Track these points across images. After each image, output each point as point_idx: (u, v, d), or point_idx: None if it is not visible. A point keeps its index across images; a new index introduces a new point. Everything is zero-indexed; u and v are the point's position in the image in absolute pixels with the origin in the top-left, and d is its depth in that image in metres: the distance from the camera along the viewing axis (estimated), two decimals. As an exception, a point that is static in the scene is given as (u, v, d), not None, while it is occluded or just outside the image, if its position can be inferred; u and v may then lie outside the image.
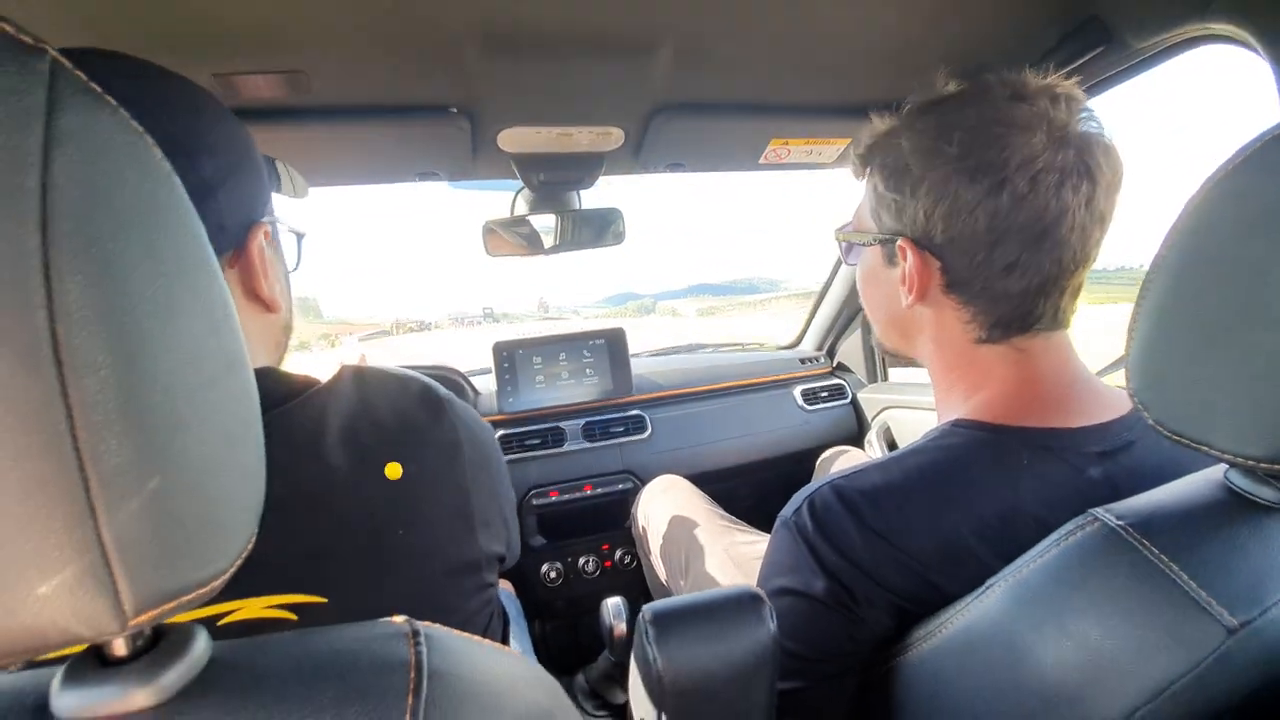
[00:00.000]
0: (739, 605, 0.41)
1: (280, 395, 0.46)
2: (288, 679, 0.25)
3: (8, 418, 0.19)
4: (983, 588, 0.45)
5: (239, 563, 0.26)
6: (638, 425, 1.51)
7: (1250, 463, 0.37)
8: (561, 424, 1.46)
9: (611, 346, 1.53)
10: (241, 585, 0.40)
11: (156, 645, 0.24)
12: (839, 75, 0.92)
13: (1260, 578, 0.36)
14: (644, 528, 1.34)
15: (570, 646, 1.54)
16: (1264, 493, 0.39)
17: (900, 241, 0.59)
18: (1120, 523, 0.40)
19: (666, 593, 1.25)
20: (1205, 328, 0.38)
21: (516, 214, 1.18)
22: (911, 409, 1.54)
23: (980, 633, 0.44)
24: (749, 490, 1.64)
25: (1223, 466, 0.42)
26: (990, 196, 0.52)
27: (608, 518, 1.47)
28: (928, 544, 0.51)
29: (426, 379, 0.54)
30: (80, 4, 0.59)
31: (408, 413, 0.50)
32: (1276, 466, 0.36)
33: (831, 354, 1.85)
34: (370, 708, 0.25)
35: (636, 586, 1.49)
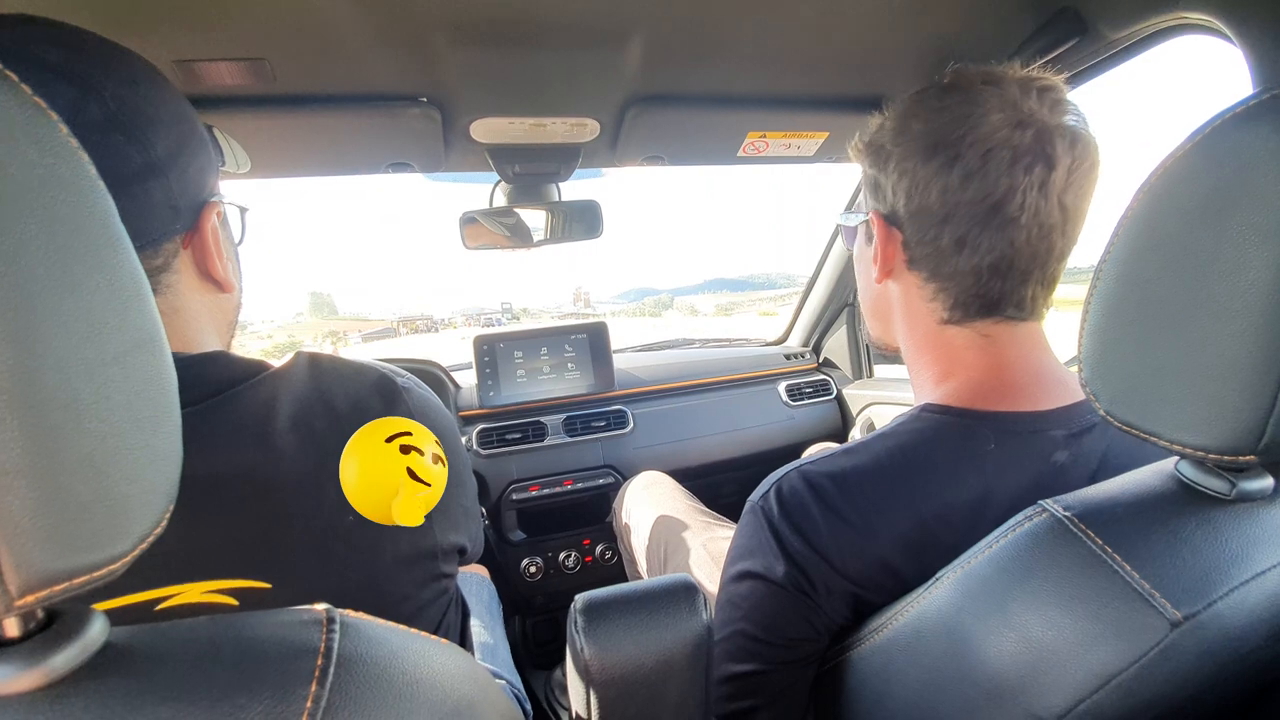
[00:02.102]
0: (671, 595, 0.41)
1: (230, 378, 0.45)
2: (185, 664, 0.25)
3: None
4: (933, 579, 0.44)
5: (144, 547, 0.25)
6: (619, 420, 1.50)
7: (1199, 454, 0.36)
8: (542, 418, 1.45)
9: (593, 341, 1.52)
10: (182, 569, 0.39)
11: (49, 627, 0.24)
12: (815, 68, 0.91)
13: (1207, 571, 0.36)
14: (625, 523, 1.33)
15: (551, 641, 1.53)
16: (1213, 484, 0.38)
17: (870, 215, 0.61)
18: (1067, 514, 0.39)
19: (646, 588, 1.25)
20: (1154, 317, 0.37)
21: (495, 206, 1.17)
22: (896, 405, 1.53)
23: (928, 624, 0.43)
24: (733, 486, 1.64)
25: (1175, 458, 0.41)
26: (942, 172, 0.53)
27: (588, 513, 1.46)
28: (892, 529, 0.50)
29: (384, 368, 0.53)
30: None
31: (361, 400, 0.49)
32: (1225, 458, 0.36)
33: (817, 350, 1.85)
34: (268, 695, 0.24)
35: (617, 581, 1.48)
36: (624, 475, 1.44)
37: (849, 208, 0.66)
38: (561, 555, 1.45)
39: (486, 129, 0.94)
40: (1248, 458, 0.35)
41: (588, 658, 0.38)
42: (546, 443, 1.43)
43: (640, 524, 1.27)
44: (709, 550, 1.12)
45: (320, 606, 0.29)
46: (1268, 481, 0.38)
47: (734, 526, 1.19)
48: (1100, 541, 0.37)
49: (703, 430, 1.56)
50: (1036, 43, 0.83)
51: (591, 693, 0.38)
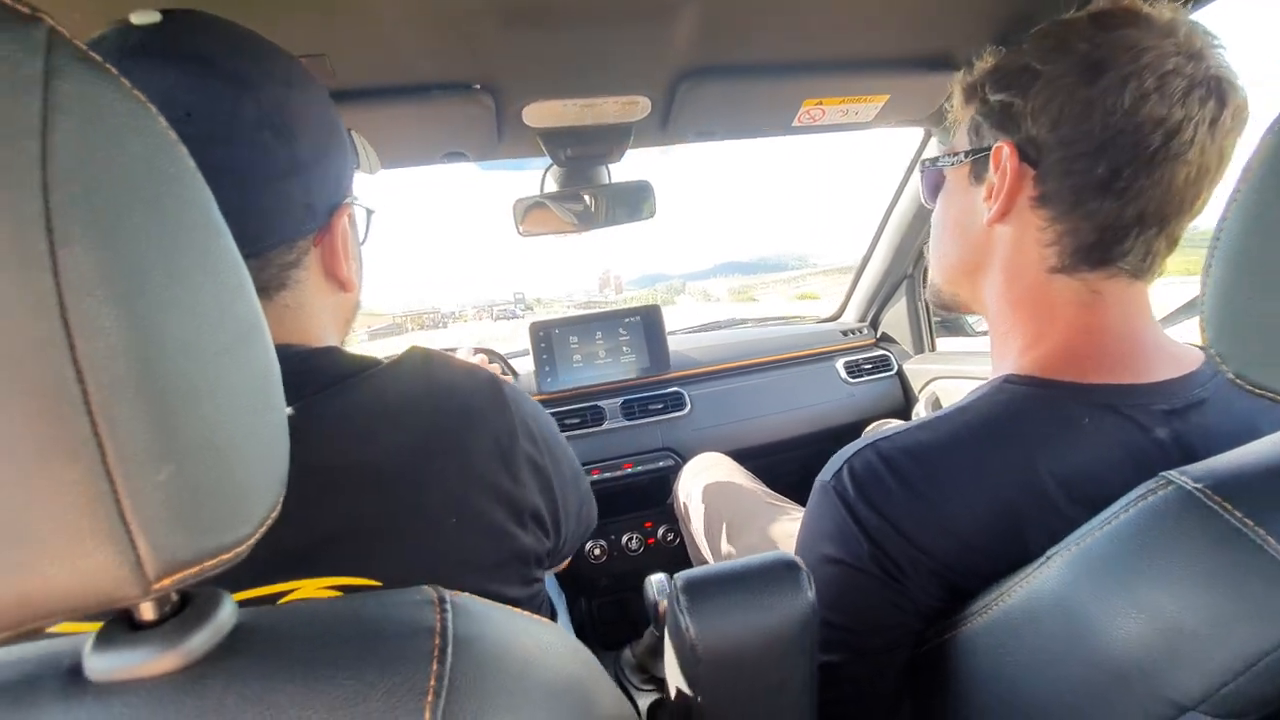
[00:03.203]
0: (775, 573, 0.40)
1: (342, 372, 0.46)
2: (312, 644, 0.25)
3: (21, 385, 0.19)
4: (1043, 558, 0.42)
5: (263, 530, 0.26)
6: (676, 402, 1.49)
7: None
8: (600, 402, 1.46)
9: (647, 323, 1.51)
10: (298, 565, 0.40)
11: (183, 610, 0.25)
12: (877, 27, 0.87)
13: None
14: (685, 505, 1.33)
15: (616, 622, 1.55)
16: None
17: (999, 143, 0.54)
18: (1197, 485, 0.36)
19: (710, 570, 1.25)
20: None
21: (546, 192, 1.17)
22: (961, 379, 1.48)
23: (1042, 606, 0.41)
24: (792, 466, 1.61)
25: None
26: (1111, 92, 0.48)
27: (649, 495, 1.46)
28: (975, 508, 0.48)
29: (494, 373, 0.54)
30: None
31: (471, 402, 0.49)
32: None
33: (875, 325, 1.79)
34: (393, 673, 0.24)
35: (679, 563, 1.49)
36: (683, 457, 1.43)
37: (924, 158, 0.61)
38: (624, 538, 1.46)
39: (538, 113, 0.93)
40: None
41: (693, 636, 0.37)
42: (605, 427, 1.44)
43: (702, 506, 1.26)
44: (773, 532, 1.10)
45: (429, 587, 0.30)
46: None
47: (797, 507, 1.18)
48: (1240, 515, 0.34)
49: (761, 410, 1.54)
50: None
51: (696, 672, 0.38)
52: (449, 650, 0.26)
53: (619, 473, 1.42)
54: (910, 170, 1.46)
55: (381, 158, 1.00)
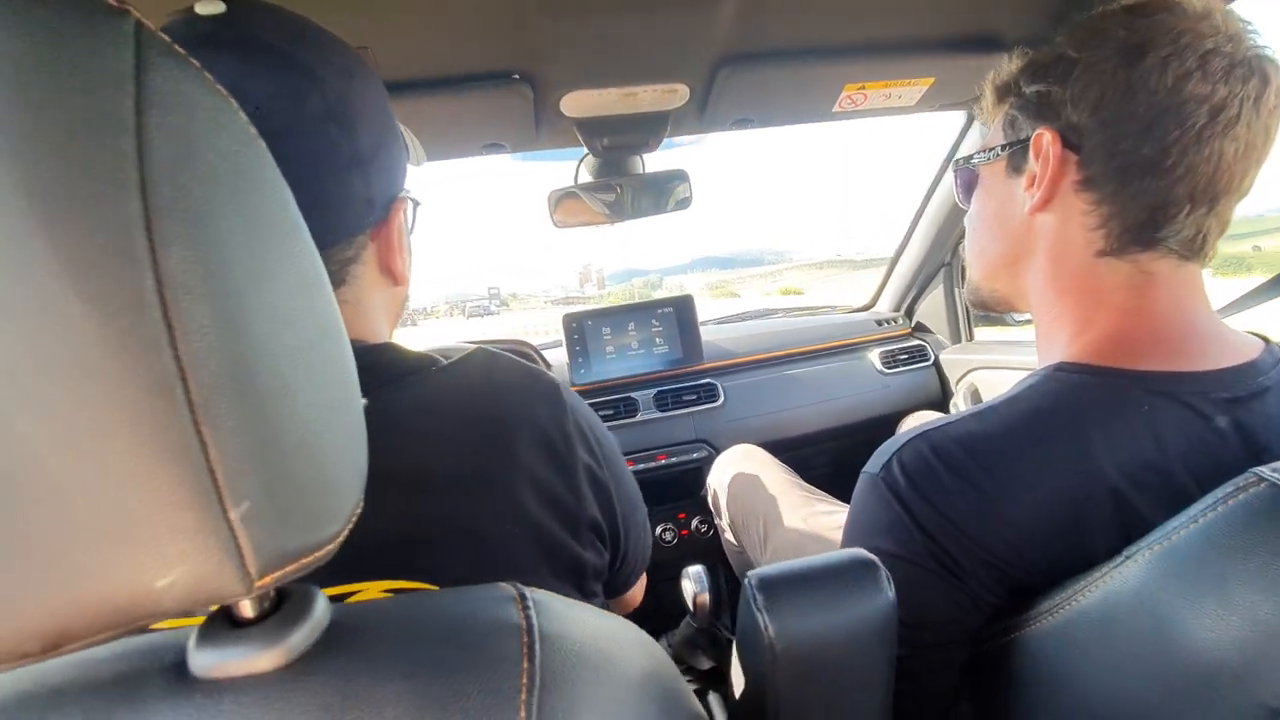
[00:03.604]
0: (853, 571, 0.39)
1: (400, 370, 0.45)
2: (406, 643, 0.25)
3: (127, 386, 0.19)
4: (1121, 557, 0.41)
5: (351, 525, 0.26)
6: (710, 393, 1.48)
7: None
8: (633, 394, 1.45)
9: (680, 314, 1.51)
10: (361, 566, 0.40)
11: (280, 608, 0.25)
12: (923, 7, 0.84)
13: None
14: (719, 497, 1.33)
15: (652, 613, 1.55)
16: None
17: (1040, 130, 0.54)
18: None
19: (745, 562, 1.24)
20: None
21: (580, 182, 1.17)
22: (1001, 369, 1.44)
23: (1123, 605, 0.39)
24: (827, 458, 1.60)
25: None
26: (1153, 72, 0.48)
27: (683, 487, 1.46)
28: (1035, 500, 0.46)
29: (556, 378, 0.53)
30: None
31: (534, 409, 0.48)
32: None
33: (910, 314, 1.76)
34: (488, 672, 0.25)
35: (714, 554, 1.48)
36: (717, 449, 1.43)
37: (957, 156, 0.61)
38: (659, 529, 1.46)
39: (576, 102, 0.92)
40: None
41: (772, 635, 0.37)
42: (639, 418, 1.44)
43: (737, 497, 1.25)
44: (810, 525, 1.09)
45: (508, 584, 0.29)
46: None
47: (831, 499, 1.16)
48: None
49: (795, 402, 1.52)
50: None
51: (773, 671, 0.37)
52: (536, 647, 0.26)
53: (653, 464, 1.42)
54: (950, 157, 1.42)
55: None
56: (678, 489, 1.46)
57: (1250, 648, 0.33)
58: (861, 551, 0.41)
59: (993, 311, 0.68)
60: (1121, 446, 0.46)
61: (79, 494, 0.20)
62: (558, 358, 1.52)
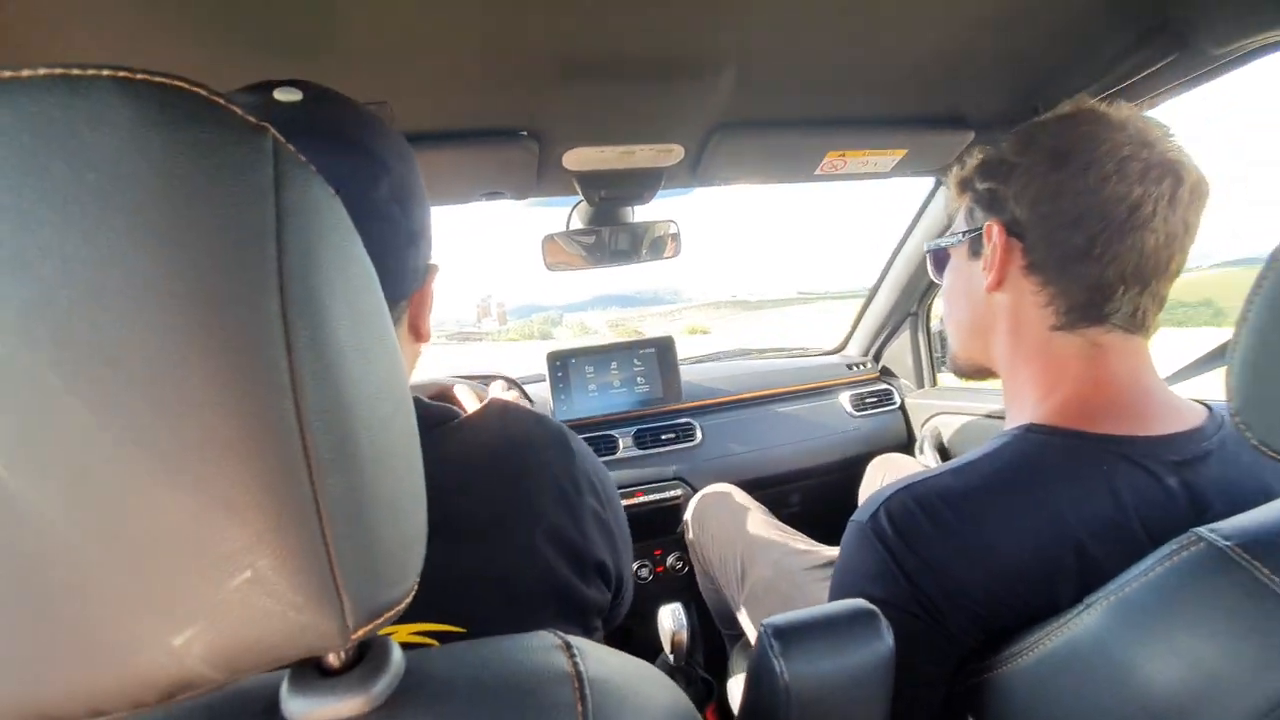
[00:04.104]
0: (859, 620, 0.43)
1: (429, 422, 0.48)
2: (474, 691, 0.28)
3: (263, 459, 0.22)
4: (1081, 605, 0.46)
5: (417, 581, 0.28)
6: (687, 432, 1.52)
7: None
8: (613, 432, 1.48)
9: (661, 354, 1.55)
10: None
11: (363, 657, 0.27)
12: (898, 90, 0.92)
13: None
14: (697, 535, 1.35)
15: (622, 650, 1.56)
16: None
17: (988, 223, 0.62)
18: (1228, 543, 0.40)
19: (720, 600, 1.26)
20: None
21: (573, 228, 1.21)
22: (962, 415, 1.52)
23: (1083, 649, 0.44)
24: (798, 497, 1.64)
25: None
26: (1076, 177, 0.55)
27: (660, 524, 1.48)
28: (1007, 550, 0.51)
29: (562, 425, 0.57)
30: (168, 38, 0.63)
31: (544, 456, 0.52)
32: None
33: (878, 358, 1.84)
34: (545, 717, 0.27)
35: (688, 591, 1.50)
36: (694, 487, 1.46)
37: (934, 239, 0.69)
38: (635, 567, 1.47)
39: (578, 158, 0.97)
40: None
41: (787, 680, 0.40)
42: (618, 455, 1.46)
43: (714, 536, 1.28)
44: (785, 564, 1.13)
45: (548, 632, 0.32)
46: None
47: (805, 539, 1.20)
48: (1267, 571, 0.38)
49: (769, 441, 1.57)
50: (1128, 61, 0.83)
51: (787, 714, 0.41)
52: (586, 691, 0.28)
53: (631, 501, 1.44)
54: (918, 217, 1.52)
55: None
56: (655, 526, 1.48)
57: (1194, 686, 0.38)
58: (863, 602, 0.45)
59: (973, 379, 0.75)
60: (1084, 502, 0.52)
61: (213, 555, 0.22)
62: (539, 393, 1.54)
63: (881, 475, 1.38)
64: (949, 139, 1.05)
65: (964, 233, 0.67)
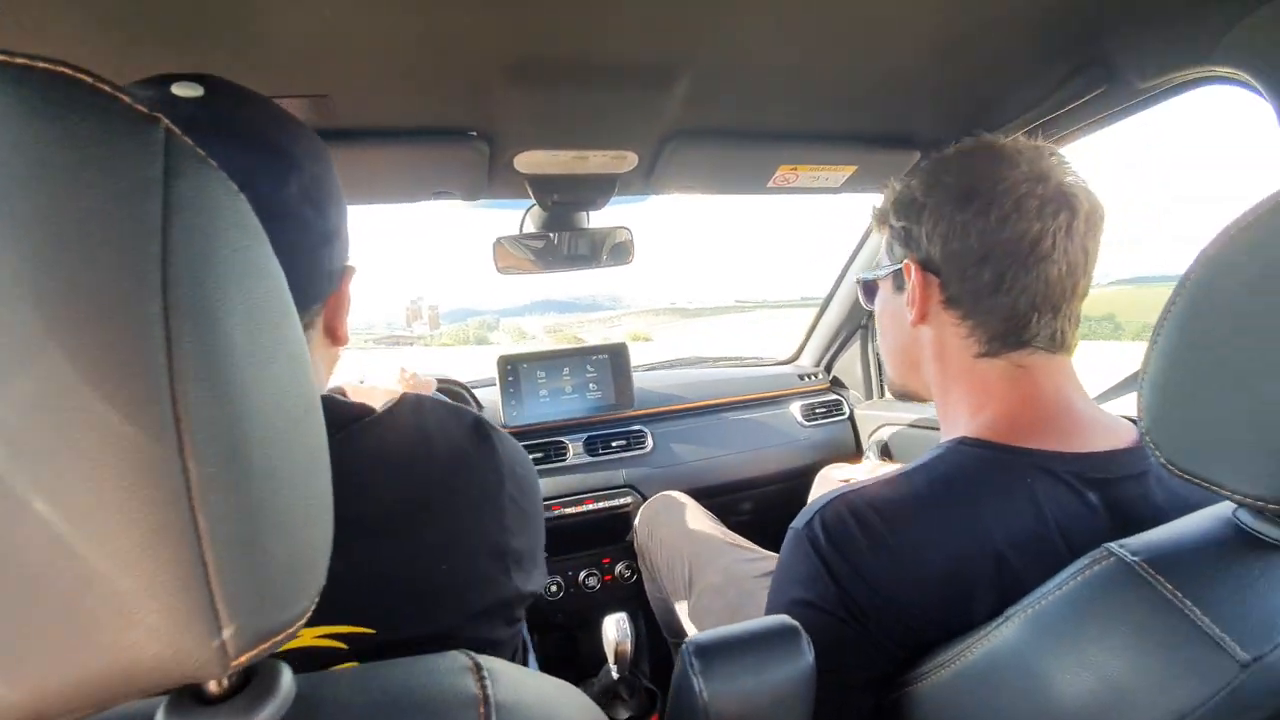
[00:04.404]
0: (778, 637, 0.43)
1: (339, 421, 0.46)
2: (369, 714, 0.26)
3: (133, 475, 0.20)
4: (1001, 618, 0.47)
5: (316, 599, 0.27)
6: (639, 440, 1.52)
7: (1259, 503, 0.39)
8: (563, 438, 1.47)
9: (614, 361, 1.55)
10: None
11: (248, 683, 0.25)
12: (849, 107, 0.94)
13: (1270, 614, 0.38)
14: (646, 543, 1.35)
15: (569, 661, 1.54)
16: (1272, 532, 0.41)
17: (905, 261, 0.65)
18: (1135, 559, 0.41)
19: (668, 608, 1.26)
20: (1217, 376, 0.40)
21: (526, 231, 1.20)
22: (908, 426, 1.56)
23: (1000, 662, 0.45)
24: (748, 505, 1.66)
25: (1230, 505, 0.44)
26: (979, 217, 0.58)
27: (609, 532, 1.47)
28: (934, 560, 0.52)
29: (478, 414, 0.55)
30: (115, 29, 0.60)
31: (460, 446, 0.51)
32: None
33: (829, 369, 1.88)
34: None
35: (636, 600, 1.50)
36: (643, 494, 1.46)
37: (867, 268, 0.73)
38: (582, 574, 1.46)
39: (530, 161, 0.96)
40: None
41: (706, 699, 0.40)
42: (567, 462, 1.45)
43: (663, 543, 1.28)
44: (731, 572, 1.13)
45: (461, 653, 0.31)
46: None
47: (754, 547, 1.21)
48: (1171, 586, 0.39)
49: (720, 450, 1.58)
50: (1063, 91, 0.87)
51: None
52: (493, 716, 0.27)
53: (580, 509, 1.43)
54: (870, 229, 1.56)
55: (372, 195, 1.01)
56: (604, 534, 1.47)
57: (1102, 699, 0.40)
58: (786, 618, 0.45)
59: (911, 401, 0.77)
60: (1007, 515, 0.53)
61: (74, 575, 0.20)
62: (489, 397, 1.52)
63: (828, 484, 1.40)
64: (897, 157, 1.08)
65: (887, 268, 0.70)
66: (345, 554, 0.42)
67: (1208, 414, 0.41)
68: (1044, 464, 0.56)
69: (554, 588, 1.44)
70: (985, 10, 0.71)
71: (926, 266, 0.63)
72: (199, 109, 0.42)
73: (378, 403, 0.49)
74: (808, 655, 0.42)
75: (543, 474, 1.43)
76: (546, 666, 1.52)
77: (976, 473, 0.57)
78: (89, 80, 0.20)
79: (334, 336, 0.53)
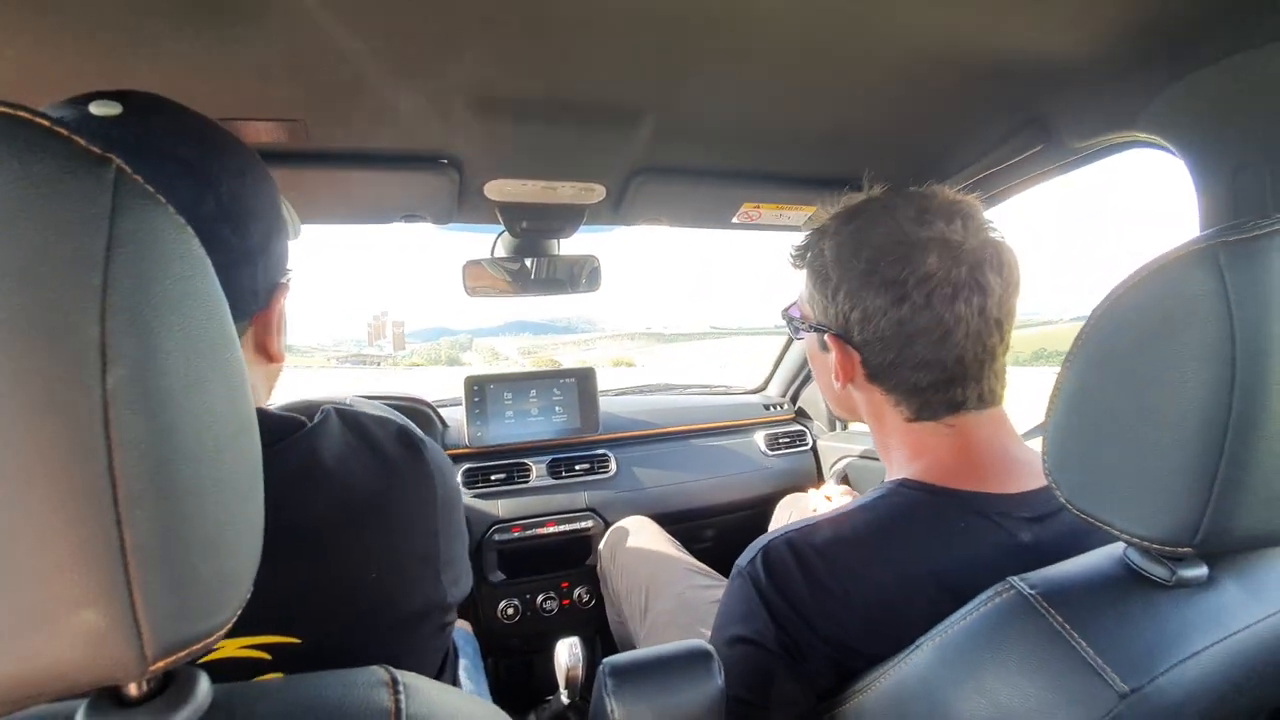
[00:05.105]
0: (691, 660, 0.44)
1: (273, 435, 0.47)
2: None
3: (61, 489, 0.22)
4: (912, 646, 0.49)
5: (240, 611, 0.28)
6: (602, 464, 1.53)
7: (1145, 543, 0.42)
8: (527, 460, 1.48)
9: (581, 385, 1.56)
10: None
11: (166, 688, 0.27)
12: (805, 151, 0.99)
13: (1151, 648, 0.41)
14: (608, 568, 1.36)
15: (524, 685, 1.53)
16: (1156, 570, 0.44)
17: (826, 336, 0.66)
18: (1032, 591, 0.44)
19: (625, 633, 1.27)
20: (1108, 423, 0.43)
21: (497, 255, 1.22)
22: (869, 459, 1.59)
23: (909, 688, 0.47)
24: (711, 532, 1.67)
25: (1122, 544, 0.47)
26: (894, 306, 0.59)
27: (569, 556, 1.48)
28: (866, 597, 0.55)
29: (404, 420, 0.56)
30: (94, 50, 0.62)
31: (389, 455, 0.52)
32: (1167, 548, 0.41)
33: (795, 399, 1.91)
34: None
35: (594, 625, 1.50)
36: (606, 519, 1.46)
37: (799, 310, 0.73)
38: (540, 598, 1.46)
39: (499, 189, 0.99)
40: (1186, 549, 0.40)
41: (618, 718, 0.41)
42: (530, 484, 1.46)
43: (623, 569, 1.29)
44: (686, 598, 1.15)
45: (380, 668, 0.32)
46: (1203, 570, 0.44)
47: (711, 574, 1.23)
48: (1060, 619, 0.42)
49: (684, 477, 1.60)
50: (1006, 146, 0.92)
51: None
52: None
53: (541, 531, 1.43)
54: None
55: (343, 216, 1.03)
56: (564, 558, 1.47)
57: None
58: (700, 643, 0.47)
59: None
60: (941, 555, 0.56)
61: (3, 580, 0.22)
62: (455, 416, 1.52)
63: (789, 514, 1.43)
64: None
65: (810, 325, 0.70)
66: (274, 565, 0.43)
67: (1101, 458, 0.44)
68: (978, 506, 0.58)
69: (510, 611, 1.43)
70: (931, 70, 0.75)
71: (846, 340, 0.64)
72: (114, 127, 0.42)
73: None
74: (718, 679, 0.44)
75: (505, 495, 1.43)
76: (499, 691, 1.51)
77: (914, 515, 0.59)
78: (45, 124, 0.22)
79: (267, 354, 0.53)
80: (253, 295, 0.49)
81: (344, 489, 0.48)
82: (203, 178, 0.44)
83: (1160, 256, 0.42)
